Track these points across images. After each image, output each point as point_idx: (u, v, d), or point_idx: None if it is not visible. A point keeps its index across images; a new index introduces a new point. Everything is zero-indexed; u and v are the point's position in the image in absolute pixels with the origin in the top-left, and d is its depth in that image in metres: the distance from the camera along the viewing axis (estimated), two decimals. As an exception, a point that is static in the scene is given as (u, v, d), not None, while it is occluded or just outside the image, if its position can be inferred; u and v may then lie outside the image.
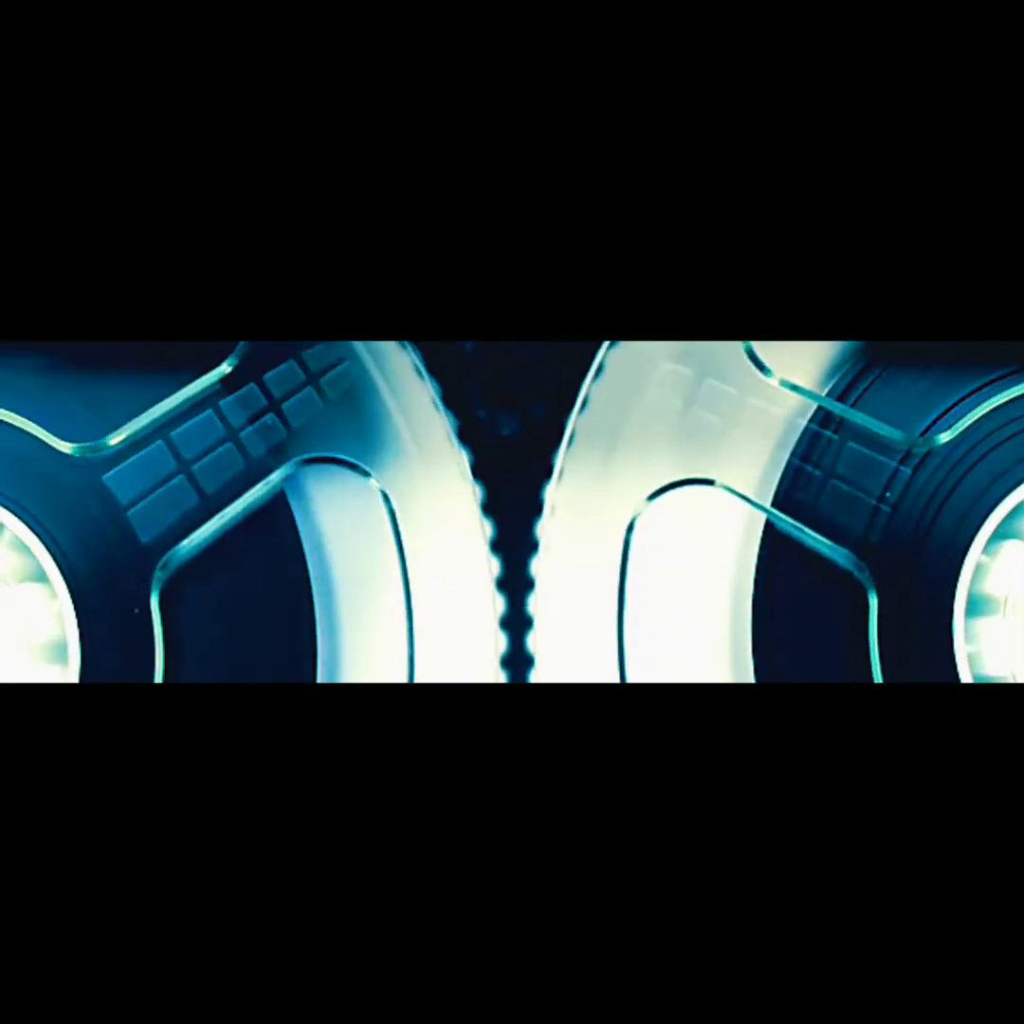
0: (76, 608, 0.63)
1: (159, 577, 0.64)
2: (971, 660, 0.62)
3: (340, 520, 0.67)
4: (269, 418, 0.65)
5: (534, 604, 0.67)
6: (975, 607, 0.62)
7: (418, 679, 0.65)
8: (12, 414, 0.63)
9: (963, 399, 0.63)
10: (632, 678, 0.65)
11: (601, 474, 0.65)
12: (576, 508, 0.66)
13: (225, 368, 0.65)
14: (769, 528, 0.65)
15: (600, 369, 0.66)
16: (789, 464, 0.64)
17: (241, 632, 0.65)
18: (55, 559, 0.63)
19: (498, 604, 0.67)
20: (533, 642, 0.67)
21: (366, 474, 0.66)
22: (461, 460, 0.67)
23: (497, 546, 0.68)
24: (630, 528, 0.65)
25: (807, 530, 0.63)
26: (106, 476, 0.63)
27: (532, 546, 0.67)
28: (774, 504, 0.64)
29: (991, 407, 0.62)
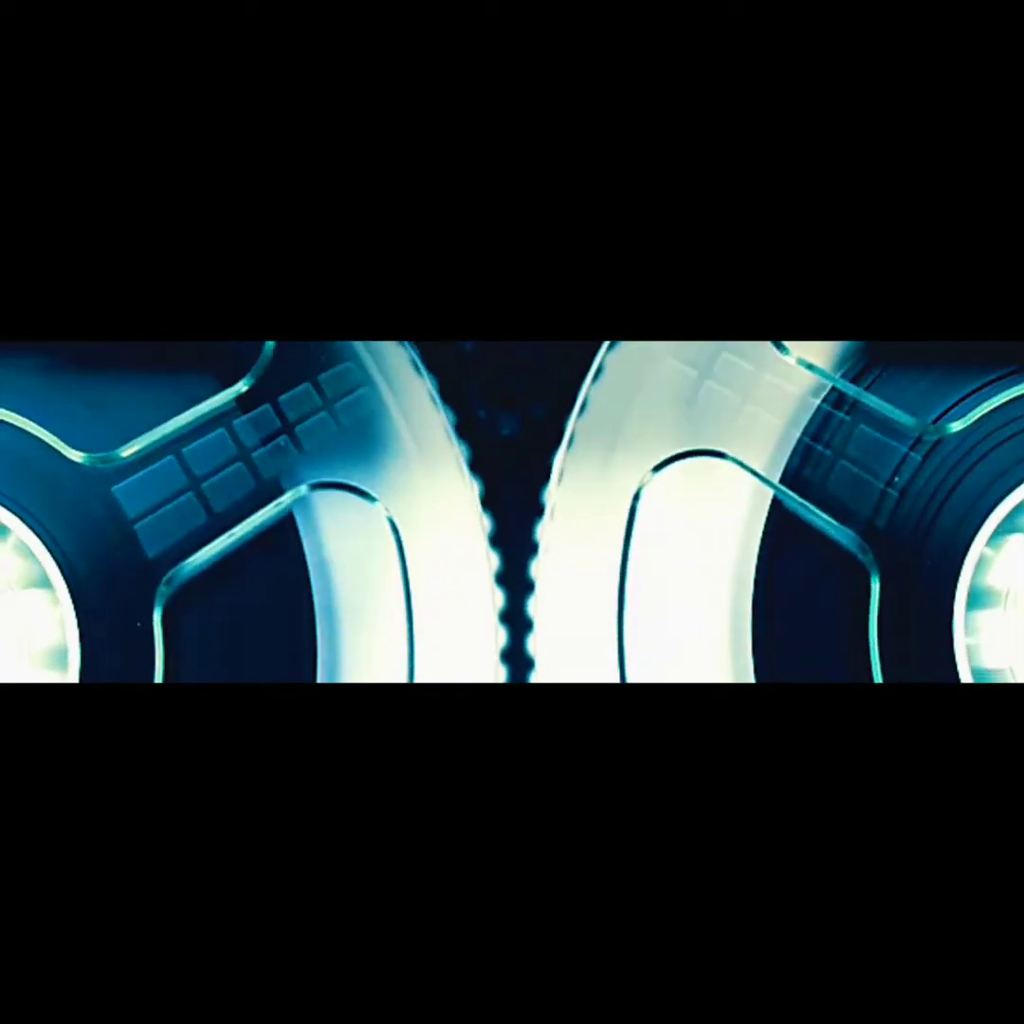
0: (78, 616, 0.62)
1: (163, 592, 0.63)
2: (970, 652, 0.62)
3: (346, 546, 0.67)
4: (282, 440, 0.65)
5: (534, 605, 0.67)
6: (976, 599, 0.62)
7: (418, 676, 0.65)
8: (24, 419, 0.63)
9: (963, 399, 0.63)
10: (632, 674, 0.64)
11: (607, 456, 0.66)
12: (583, 476, 0.66)
13: (242, 387, 0.65)
14: (776, 505, 0.65)
15: (600, 370, 0.66)
16: (800, 442, 0.64)
17: (242, 650, 0.65)
18: (59, 566, 0.63)
19: (498, 599, 0.67)
20: (533, 643, 0.67)
21: (375, 500, 0.66)
22: (464, 465, 0.67)
23: (497, 542, 0.68)
24: (636, 496, 0.65)
25: (814, 509, 0.63)
26: (116, 488, 0.63)
27: (533, 547, 0.67)
28: (782, 481, 0.64)
29: (1001, 402, 0.62)
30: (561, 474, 0.66)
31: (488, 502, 0.68)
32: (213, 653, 0.64)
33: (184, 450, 0.64)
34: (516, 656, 0.67)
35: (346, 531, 0.67)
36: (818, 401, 0.64)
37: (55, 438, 0.63)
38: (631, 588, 0.65)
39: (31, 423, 0.63)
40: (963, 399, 0.63)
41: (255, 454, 0.65)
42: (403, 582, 0.66)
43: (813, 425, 0.64)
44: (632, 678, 0.65)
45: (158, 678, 0.63)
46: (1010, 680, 0.62)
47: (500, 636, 0.67)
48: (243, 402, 0.65)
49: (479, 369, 0.68)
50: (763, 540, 0.65)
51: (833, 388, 0.64)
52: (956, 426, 0.62)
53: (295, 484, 0.65)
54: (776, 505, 0.65)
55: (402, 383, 0.67)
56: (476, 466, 0.68)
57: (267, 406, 0.65)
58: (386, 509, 0.66)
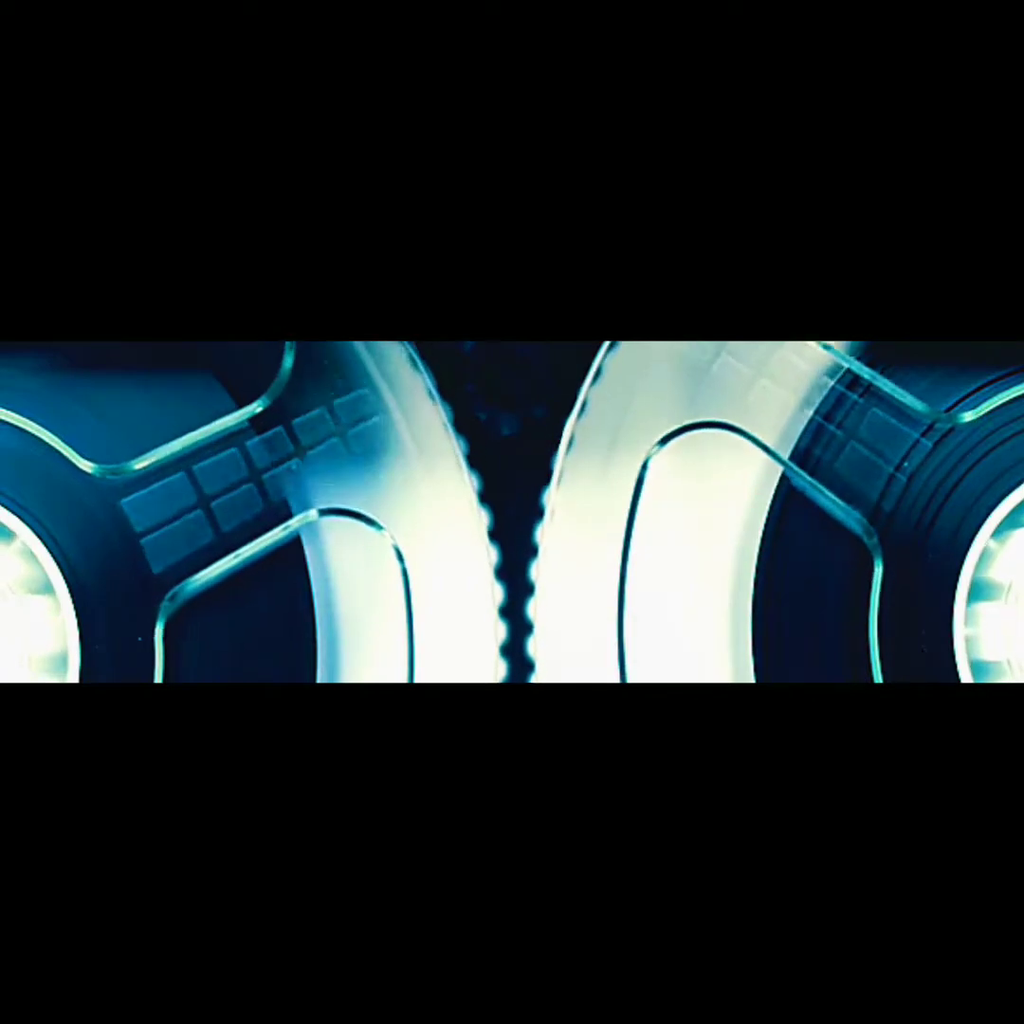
0: (79, 625, 0.62)
1: (166, 608, 0.63)
2: (968, 642, 0.62)
3: (352, 573, 0.66)
4: (293, 464, 0.65)
5: (533, 606, 0.66)
6: (978, 591, 0.62)
7: (418, 674, 0.64)
8: (36, 425, 0.63)
9: (977, 390, 0.63)
10: (632, 673, 0.64)
11: (607, 457, 0.66)
12: (582, 478, 0.65)
13: (256, 407, 0.65)
14: (783, 482, 0.65)
15: (599, 372, 0.66)
16: (812, 420, 0.64)
17: (241, 669, 0.64)
18: (63, 573, 0.62)
19: (497, 593, 0.67)
20: (533, 645, 0.66)
21: (382, 528, 0.66)
22: (475, 499, 0.67)
23: (494, 536, 0.67)
24: (644, 466, 0.65)
25: (822, 487, 0.63)
26: (125, 500, 0.63)
27: (533, 550, 0.67)
28: (792, 457, 0.64)
29: (1014, 396, 0.63)
30: (561, 476, 0.66)
31: (491, 511, 0.68)
32: (212, 670, 0.64)
33: (195, 467, 0.64)
34: (516, 655, 0.67)
35: (352, 558, 0.66)
36: (833, 381, 0.65)
37: (66, 446, 0.63)
38: (632, 572, 0.65)
39: (42, 429, 0.63)
40: (977, 390, 0.64)
41: (265, 476, 0.65)
42: (407, 615, 0.66)
43: (826, 405, 0.65)
44: (632, 677, 0.64)
45: (156, 690, 0.62)
46: (1006, 673, 0.62)
47: (500, 631, 0.67)
48: (257, 423, 0.65)
49: (479, 369, 0.68)
50: (768, 519, 0.65)
51: (849, 370, 0.64)
52: (968, 416, 0.63)
53: (304, 508, 0.65)
54: (783, 483, 0.65)
55: (416, 412, 0.67)
56: (484, 488, 0.68)
57: (281, 428, 0.65)
58: (392, 538, 0.66)
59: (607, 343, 0.66)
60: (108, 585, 0.63)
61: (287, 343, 0.65)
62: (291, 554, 0.66)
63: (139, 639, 0.63)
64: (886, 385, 0.64)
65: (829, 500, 0.63)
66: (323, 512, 0.66)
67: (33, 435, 0.63)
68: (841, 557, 0.64)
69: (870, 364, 0.65)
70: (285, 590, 0.65)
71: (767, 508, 0.65)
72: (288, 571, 0.65)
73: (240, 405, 0.65)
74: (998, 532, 0.62)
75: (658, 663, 0.65)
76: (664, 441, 0.65)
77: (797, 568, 0.64)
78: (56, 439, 0.63)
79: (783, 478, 0.65)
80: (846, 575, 0.63)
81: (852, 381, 0.64)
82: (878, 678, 0.61)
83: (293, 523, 0.65)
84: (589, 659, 0.65)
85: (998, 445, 0.63)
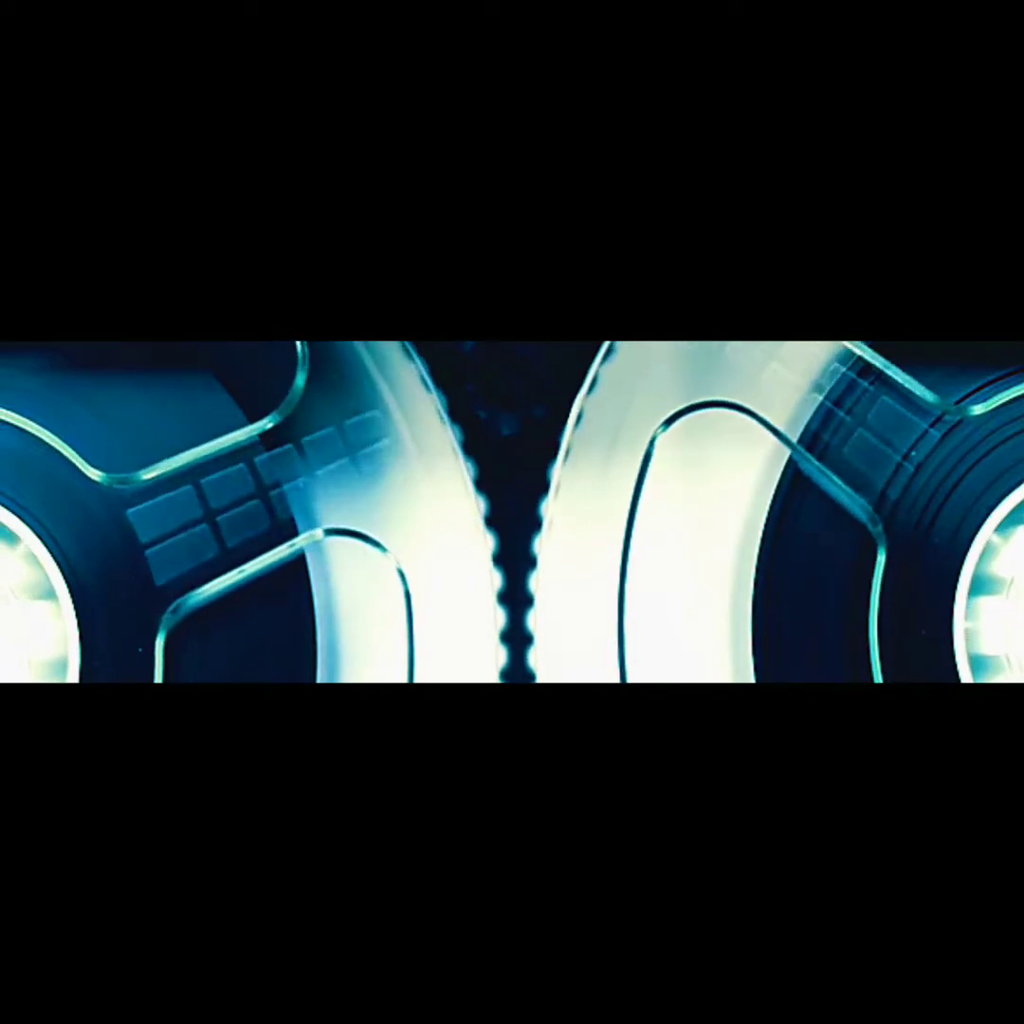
0: (80, 632, 0.62)
1: (168, 620, 0.63)
2: (968, 636, 0.62)
3: (355, 594, 0.66)
4: (301, 482, 0.65)
5: (533, 619, 0.66)
6: (980, 585, 0.62)
7: (418, 674, 0.64)
8: (44, 430, 0.63)
9: (987, 384, 0.64)
10: (632, 673, 0.63)
11: (603, 468, 0.66)
12: (579, 489, 0.65)
13: (267, 424, 0.65)
14: (790, 465, 0.65)
15: (594, 382, 0.67)
16: (822, 405, 0.64)
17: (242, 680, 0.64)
18: (66, 580, 0.62)
19: (496, 580, 0.67)
20: (534, 651, 0.66)
21: (386, 550, 0.66)
22: (482, 522, 0.67)
23: (491, 523, 0.68)
24: (651, 441, 0.65)
25: (829, 472, 0.63)
26: (131, 511, 0.63)
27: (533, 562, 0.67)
28: (800, 441, 0.64)
29: (1012, 397, 0.63)
30: (558, 487, 0.67)
31: (497, 535, 0.68)
32: (213, 681, 0.64)
33: (203, 480, 0.64)
34: (517, 675, 0.67)
35: (356, 579, 0.66)
36: (844, 368, 0.65)
37: (74, 453, 0.63)
38: (632, 573, 0.65)
39: (42, 429, 0.63)
40: (987, 384, 0.64)
41: (273, 492, 0.65)
42: (408, 637, 0.66)
43: (836, 391, 0.65)
44: (632, 677, 0.64)
45: (154, 701, 0.62)
46: (1005, 668, 0.62)
47: (501, 657, 0.67)
48: (267, 439, 0.65)
49: (479, 369, 0.68)
50: (769, 516, 0.65)
51: (860, 357, 0.64)
52: (978, 409, 0.63)
53: (310, 527, 0.65)
54: (788, 470, 0.65)
55: (426, 436, 0.67)
56: (490, 512, 0.68)
57: (290, 446, 0.65)
58: (397, 560, 0.66)
59: (602, 353, 0.66)
60: (111, 595, 0.62)
61: (300, 360, 0.65)
62: (295, 572, 0.65)
63: (139, 650, 0.62)
64: (897, 374, 0.64)
65: (835, 485, 0.63)
66: (329, 531, 0.66)
67: (33, 435, 0.63)
68: (843, 551, 0.63)
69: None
70: (288, 607, 0.65)
71: (769, 501, 0.65)
72: (291, 589, 0.65)
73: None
74: (1002, 527, 0.62)
75: (658, 663, 0.64)
76: (670, 422, 0.65)
77: (798, 568, 0.64)
78: (63, 444, 0.63)
79: (788, 465, 0.65)
80: (847, 571, 0.63)
81: (863, 368, 0.65)
82: (878, 678, 0.61)
83: (299, 541, 0.65)
84: (589, 659, 0.65)
85: (1007, 439, 0.63)
